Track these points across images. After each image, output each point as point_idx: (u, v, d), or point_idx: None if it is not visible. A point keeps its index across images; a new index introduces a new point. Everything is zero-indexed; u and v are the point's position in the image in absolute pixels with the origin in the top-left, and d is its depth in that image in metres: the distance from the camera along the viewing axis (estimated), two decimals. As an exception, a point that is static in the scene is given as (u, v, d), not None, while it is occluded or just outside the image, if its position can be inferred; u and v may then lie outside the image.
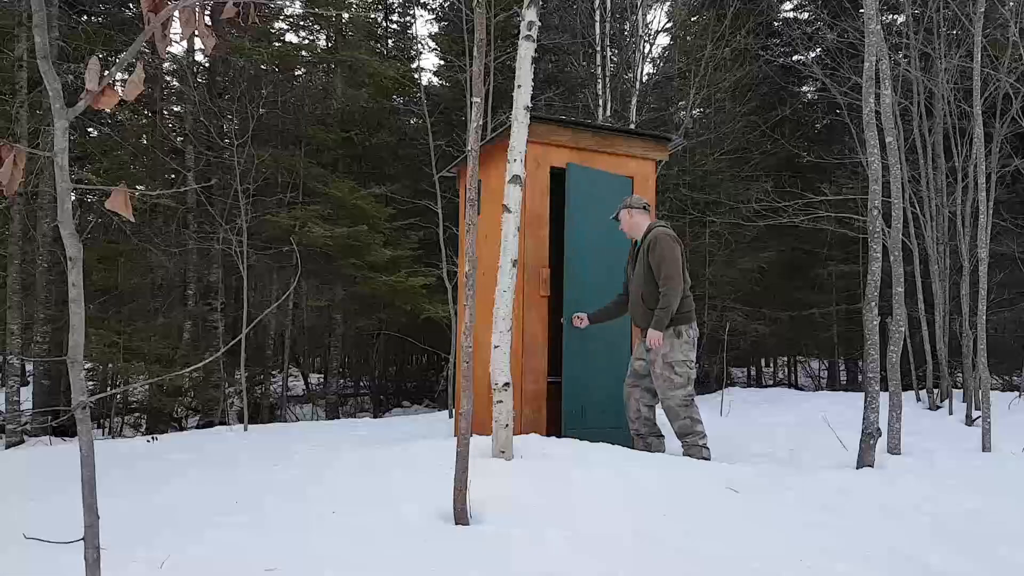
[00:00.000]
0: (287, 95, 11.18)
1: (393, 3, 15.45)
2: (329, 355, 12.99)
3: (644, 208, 4.67)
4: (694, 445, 4.43)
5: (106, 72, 1.49)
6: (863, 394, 4.54)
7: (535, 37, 3.70)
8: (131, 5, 10.61)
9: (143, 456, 5.77)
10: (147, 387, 9.47)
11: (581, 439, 4.29)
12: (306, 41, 12.98)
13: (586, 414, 4.94)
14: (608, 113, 11.55)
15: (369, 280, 10.48)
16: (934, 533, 2.79)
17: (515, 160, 3.65)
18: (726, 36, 12.80)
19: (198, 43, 10.04)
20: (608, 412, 5.04)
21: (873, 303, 4.55)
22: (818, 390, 14.68)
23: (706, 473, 3.44)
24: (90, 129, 10.51)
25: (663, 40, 20.12)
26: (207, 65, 10.84)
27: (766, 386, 16.01)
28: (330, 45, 12.72)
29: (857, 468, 4.20)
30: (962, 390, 9.86)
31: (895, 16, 12.87)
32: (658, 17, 33.15)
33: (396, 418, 8.75)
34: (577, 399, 4.93)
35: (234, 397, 10.48)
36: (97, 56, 1.52)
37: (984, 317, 5.82)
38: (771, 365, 19.10)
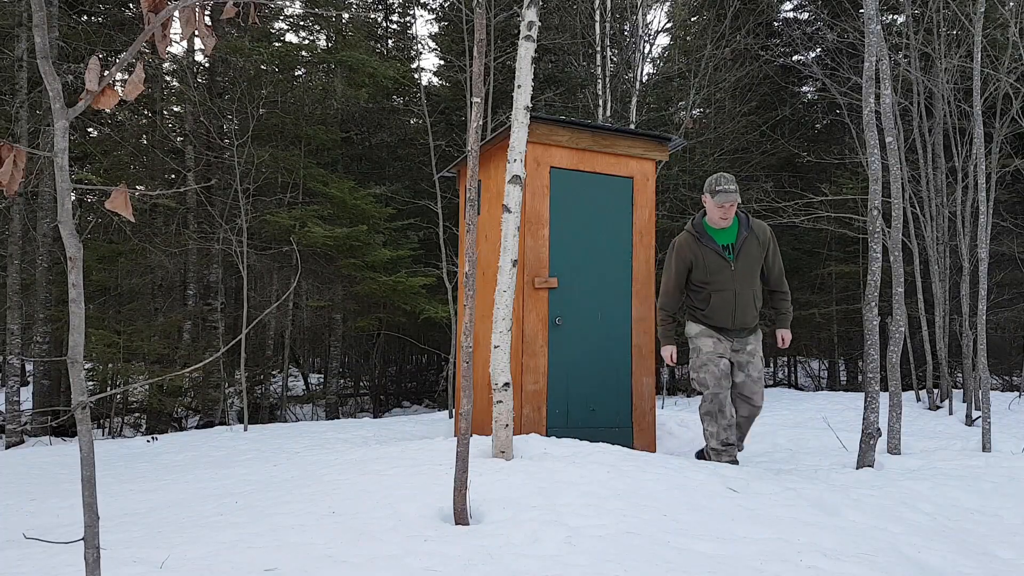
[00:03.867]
0: (287, 95, 11.18)
1: (393, 3, 15.46)
2: (329, 355, 12.99)
3: None
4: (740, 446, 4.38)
5: (106, 72, 1.49)
6: (863, 394, 4.54)
7: (535, 37, 3.70)
8: (131, 5, 10.61)
9: (143, 456, 5.77)
10: (147, 387, 9.46)
11: (581, 439, 4.29)
12: (306, 41, 12.98)
13: (571, 414, 4.96)
14: (608, 113, 11.56)
15: (369, 280, 10.48)
16: (934, 533, 2.79)
17: (515, 160, 3.65)
18: (726, 36, 12.81)
19: (198, 43, 10.05)
20: (600, 412, 5.05)
21: (873, 303, 4.55)
22: (818, 390, 14.69)
23: (706, 473, 3.44)
24: (90, 129, 10.51)
25: (663, 40, 20.13)
26: (207, 65, 10.84)
27: (766, 386, 16.01)
28: (330, 45, 12.72)
29: (857, 468, 4.20)
30: (962, 390, 9.87)
31: (895, 16, 12.87)
32: (658, 17, 33.20)
33: (396, 418, 8.75)
34: (562, 400, 4.94)
35: (234, 397, 10.48)
36: (97, 56, 1.52)
37: (984, 317, 5.82)
38: (771, 365, 19.10)
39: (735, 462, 4.13)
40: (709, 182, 4.08)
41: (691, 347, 4.29)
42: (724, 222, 4.07)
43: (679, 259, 4.23)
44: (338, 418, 11.43)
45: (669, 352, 4.31)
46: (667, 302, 4.33)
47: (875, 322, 4.51)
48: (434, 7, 14.71)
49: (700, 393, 4.22)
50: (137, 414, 10.48)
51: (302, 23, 12.67)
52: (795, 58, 14.43)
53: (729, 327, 4.16)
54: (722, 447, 4.16)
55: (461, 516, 2.65)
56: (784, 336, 4.20)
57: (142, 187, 10.01)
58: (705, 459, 4.27)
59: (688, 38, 16.80)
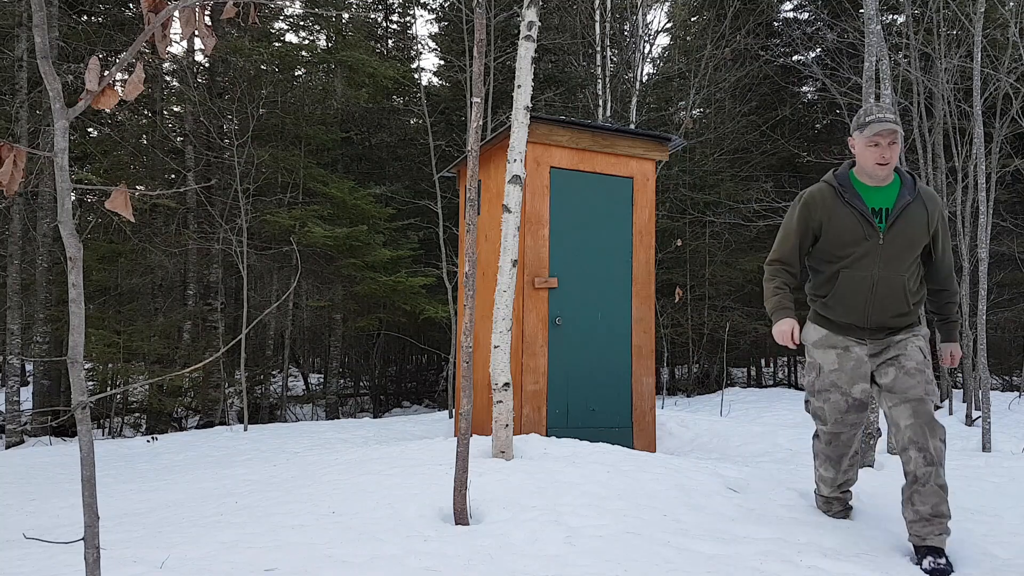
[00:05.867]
0: (287, 95, 11.18)
1: (393, 3, 15.46)
2: (329, 355, 13.00)
3: None
4: (944, 486, 2.70)
5: (106, 72, 1.50)
6: (863, 394, 4.52)
7: (535, 37, 3.71)
8: (131, 5, 10.61)
9: (143, 456, 5.77)
10: (147, 387, 9.47)
11: (581, 439, 4.29)
12: (306, 41, 12.99)
13: (571, 414, 4.96)
14: (608, 113, 11.56)
15: (369, 280, 10.49)
16: (934, 533, 2.79)
17: (515, 160, 3.65)
18: (726, 36, 12.82)
19: (198, 43, 10.06)
20: (600, 412, 5.05)
21: (873, 303, 4.53)
22: (818, 390, 14.63)
23: (706, 473, 3.44)
24: (90, 129, 10.51)
25: (663, 40, 20.13)
26: (207, 65, 10.84)
27: (766, 386, 16.01)
28: (330, 45, 12.72)
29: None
30: (962, 390, 9.87)
31: (895, 16, 12.88)
32: (658, 17, 33.17)
33: (396, 418, 8.76)
34: (562, 400, 4.95)
35: (234, 397, 10.48)
36: (97, 56, 1.53)
37: (984, 317, 5.83)
38: (771, 365, 19.11)
39: (848, 511, 3.05)
40: (857, 115, 2.75)
41: (807, 360, 2.99)
42: (882, 170, 2.65)
43: (802, 217, 2.83)
44: (338, 418, 11.43)
45: (789, 328, 2.77)
46: (780, 265, 2.95)
47: (875, 322, 4.50)
48: (434, 7, 14.72)
49: (815, 427, 3.00)
50: (137, 414, 10.48)
51: (302, 23, 12.68)
52: (795, 58, 14.43)
53: (861, 325, 2.78)
54: (836, 495, 3.00)
55: (461, 516, 2.65)
56: (953, 353, 2.89)
57: (142, 187, 10.01)
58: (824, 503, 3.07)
59: (688, 38, 16.81)
